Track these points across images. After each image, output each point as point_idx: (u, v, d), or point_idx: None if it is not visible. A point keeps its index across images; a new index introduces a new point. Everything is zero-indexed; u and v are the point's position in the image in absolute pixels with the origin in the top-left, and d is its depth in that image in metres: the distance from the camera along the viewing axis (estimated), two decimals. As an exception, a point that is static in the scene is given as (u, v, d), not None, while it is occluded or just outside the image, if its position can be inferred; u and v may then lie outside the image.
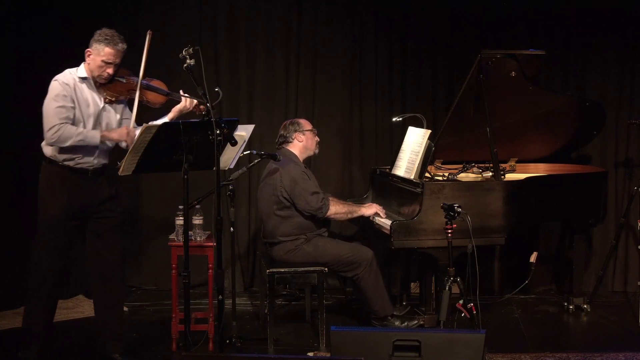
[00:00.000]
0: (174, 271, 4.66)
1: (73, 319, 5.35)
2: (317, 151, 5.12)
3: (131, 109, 4.30)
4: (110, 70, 4.18)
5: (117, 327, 4.42)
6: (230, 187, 4.56)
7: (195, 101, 4.34)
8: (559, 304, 5.69)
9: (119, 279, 4.45)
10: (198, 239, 4.75)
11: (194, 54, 3.84)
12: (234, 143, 4.02)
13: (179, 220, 4.62)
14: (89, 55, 4.18)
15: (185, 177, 3.91)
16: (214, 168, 3.87)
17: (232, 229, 4.67)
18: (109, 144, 4.29)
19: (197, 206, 4.66)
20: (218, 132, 3.80)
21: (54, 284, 4.27)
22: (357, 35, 6.14)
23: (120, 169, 3.99)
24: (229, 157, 4.58)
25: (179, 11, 6.05)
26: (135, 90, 4.24)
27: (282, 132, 5.03)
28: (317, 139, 5.09)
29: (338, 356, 3.38)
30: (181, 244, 4.16)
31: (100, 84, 4.22)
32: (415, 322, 4.95)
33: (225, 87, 5.88)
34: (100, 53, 4.14)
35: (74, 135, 4.08)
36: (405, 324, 4.90)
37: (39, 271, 4.23)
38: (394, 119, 5.54)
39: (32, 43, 5.48)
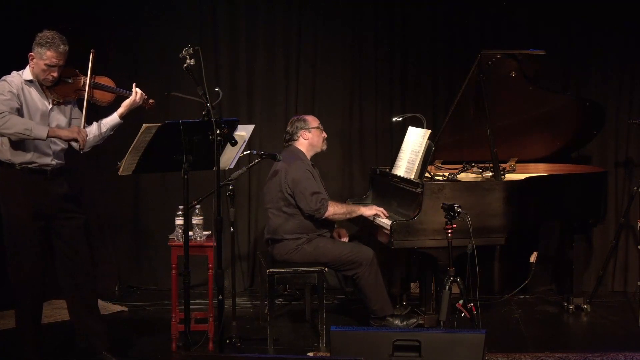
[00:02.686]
0: (174, 271, 4.66)
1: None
2: (324, 147, 5.12)
3: (80, 109, 4.25)
4: (54, 74, 4.11)
5: (96, 325, 4.39)
6: (230, 187, 4.56)
7: (144, 95, 4.32)
8: (559, 304, 5.69)
9: (89, 279, 4.39)
10: (198, 239, 4.75)
11: (194, 54, 3.83)
12: (234, 143, 4.02)
13: (179, 220, 4.62)
14: (32, 59, 4.11)
15: (185, 177, 3.91)
16: (214, 168, 3.87)
17: (232, 229, 4.66)
18: (61, 143, 4.22)
19: (197, 206, 4.66)
20: (218, 132, 3.80)
21: (36, 285, 4.23)
22: (357, 35, 6.14)
23: (120, 169, 3.99)
24: (229, 157, 4.59)
25: (179, 11, 6.05)
26: (82, 90, 4.19)
27: (288, 129, 5.04)
28: (324, 135, 5.09)
29: (338, 356, 3.38)
30: (181, 244, 4.16)
31: (46, 87, 4.17)
32: (414, 320, 4.94)
33: (225, 87, 5.89)
34: (43, 57, 4.07)
35: (21, 124, 3.97)
36: (405, 323, 4.90)
37: (19, 274, 4.19)
38: (394, 119, 5.54)
39: (28, 40, 5.47)
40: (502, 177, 5.02)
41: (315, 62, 6.15)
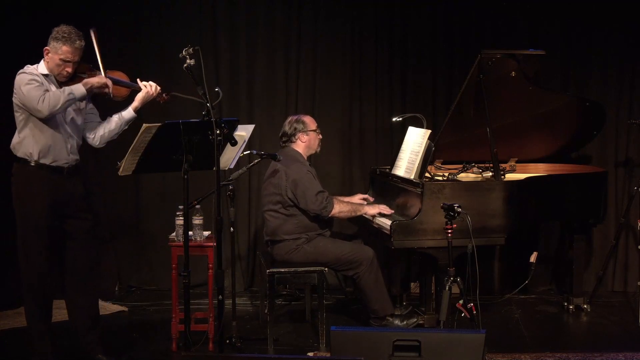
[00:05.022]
0: (174, 271, 4.66)
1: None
2: (318, 150, 5.13)
3: (95, 105, 4.30)
4: (69, 69, 4.12)
5: (93, 328, 4.38)
6: (230, 187, 4.57)
7: (158, 88, 4.30)
8: (559, 304, 5.69)
9: (93, 281, 4.40)
10: (198, 239, 4.75)
11: (194, 54, 3.83)
12: (234, 143, 4.02)
13: (179, 220, 4.62)
14: (47, 53, 4.12)
15: (185, 177, 3.91)
16: (214, 168, 3.87)
17: (232, 229, 4.67)
18: (76, 137, 4.24)
19: (197, 206, 4.66)
20: (218, 132, 3.80)
21: (47, 283, 4.22)
22: (357, 35, 6.14)
23: (120, 169, 3.99)
24: (229, 157, 4.59)
25: (179, 11, 6.05)
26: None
27: (286, 130, 5.02)
28: (320, 137, 5.10)
29: (338, 356, 3.38)
30: (181, 244, 4.16)
31: (61, 82, 4.17)
32: (415, 319, 4.95)
33: (225, 87, 5.89)
34: (58, 51, 4.07)
35: (60, 94, 4.00)
36: (405, 322, 4.90)
37: (31, 273, 4.18)
38: (394, 119, 5.54)
39: (28, 41, 5.47)
40: (502, 177, 5.02)
41: (315, 62, 6.15)
